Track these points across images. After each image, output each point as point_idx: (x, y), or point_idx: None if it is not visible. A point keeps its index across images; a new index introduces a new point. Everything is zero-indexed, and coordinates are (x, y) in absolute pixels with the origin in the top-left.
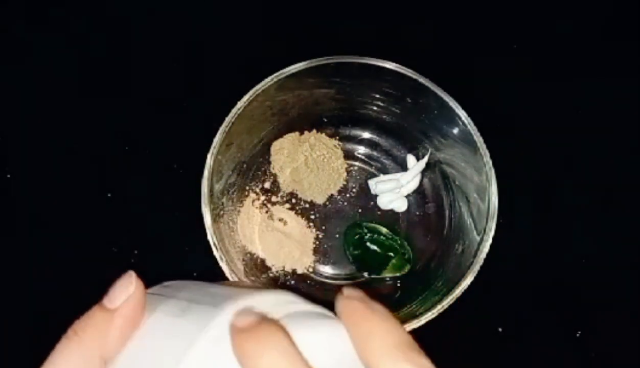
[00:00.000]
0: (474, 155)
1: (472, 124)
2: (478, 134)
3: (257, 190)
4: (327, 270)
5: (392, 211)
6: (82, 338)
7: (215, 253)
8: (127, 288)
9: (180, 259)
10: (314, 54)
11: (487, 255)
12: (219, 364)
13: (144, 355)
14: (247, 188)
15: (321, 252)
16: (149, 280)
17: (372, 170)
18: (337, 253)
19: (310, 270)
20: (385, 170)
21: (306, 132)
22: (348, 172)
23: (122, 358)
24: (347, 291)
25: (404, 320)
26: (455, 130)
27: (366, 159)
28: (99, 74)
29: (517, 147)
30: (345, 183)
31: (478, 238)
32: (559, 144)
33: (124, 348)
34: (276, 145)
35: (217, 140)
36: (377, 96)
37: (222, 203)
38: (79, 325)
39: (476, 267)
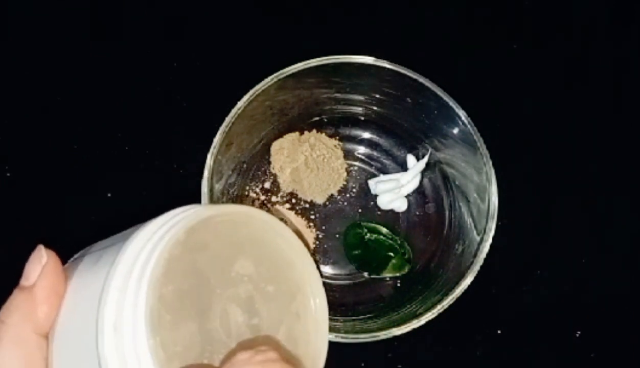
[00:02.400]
0: (474, 155)
1: (472, 124)
2: (478, 134)
3: (257, 190)
4: (327, 270)
5: (392, 211)
6: (9, 325)
7: None
8: (39, 262)
9: None
10: (314, 54)
11: (487, 255)
12: (130, 300)
13: (73, 317)
14: (247, 188)
15: (321, 252)
16: None
17: (372, 170)
18: (337, 253)
19: None
20: (385, 170)
21: (306, 132)
22: (348, 172)
23: (58, 326)
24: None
25: (404, 320)
26: (455, 130)
27: (366, 159)
28: (99, 74)
29: (517, 147)
30: (345, 183)
31: (478, 238)
32: (559, 144)
33: (58, 317)
34: (276, 145)
35: (217, 140)
36: (377, 96)
37: (222, 204)
38: (3, 313)
39: (476, 267)
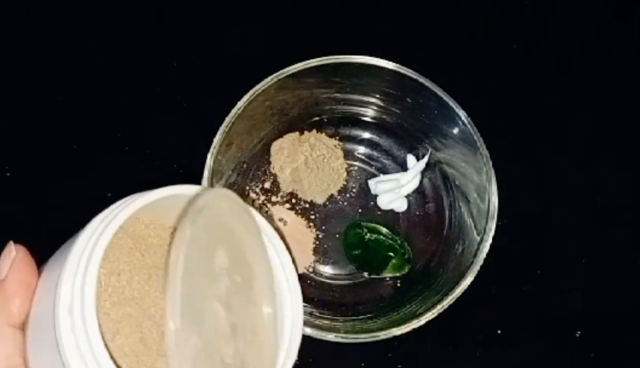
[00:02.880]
0: (474, 155)
1: (472, 124)
2: (478, 134)
3: (257, 190)
4: (327, 270)
5: (392, 211)
6: None
7: None
8: (9, 256)
9: None
10: (314, 54)
11: (487, 255)
12: (81, 283)
13: (40, 306)
14: (247, 188)
15: (321, 252)
16: None
17: (372, 170)
18: (337, 253)
19: (310, 270)
20: (385, 170)
21: (306, 132)
22: (348, 172)
23: (30, 317)
24: None
25: (404, 320)
26: (455, 130)
27: (366, 159)
28: (99, 74)
29: (517, 147)
30: (345, 183)
31: (478, 238)
32: (559, 144)
33: (31, 308)
34: (276, 145)
35: (217, 140)
36: (377, 96)
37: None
38: None
39: (476, 267)
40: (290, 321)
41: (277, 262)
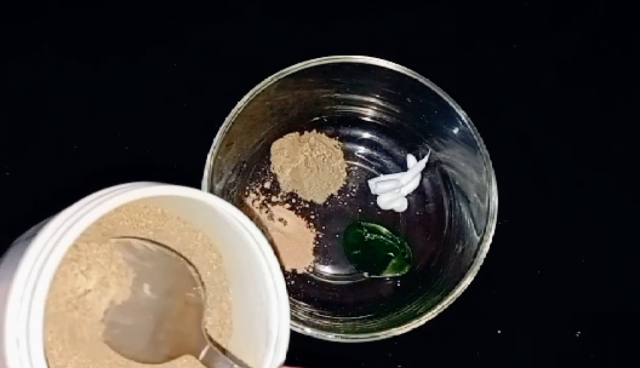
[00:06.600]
0: (474, 155)
1: (472, 124)
2: (478, 134)
3: (257, 190)
4: (327, 270)
5: (392, 211)
6: None
7: None
8: None
9: None
10: (314, 54)
11: (487, 255)
12: (26, 311)
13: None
14: (247, 188)
15: (321, 252)
16: None
17: (372, 170)
18: (337, 253)
19: (310, 270)
20: (385, 170)
21: (306, 132)
22: (348, 172)
23: None
24: None
25: (404, 320)
26: (455, 130)
27: (366, 159)
28: (99, 74)
29: (517, 147)
30: (345, 183)
31: (478, 238)
32: (559, 144)
33: None
34: (276, 145)
35: (217, 140)
36: (377, 96)
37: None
38: None
39: (476, 267)
40: (276, 323)
41: (264, 265)
